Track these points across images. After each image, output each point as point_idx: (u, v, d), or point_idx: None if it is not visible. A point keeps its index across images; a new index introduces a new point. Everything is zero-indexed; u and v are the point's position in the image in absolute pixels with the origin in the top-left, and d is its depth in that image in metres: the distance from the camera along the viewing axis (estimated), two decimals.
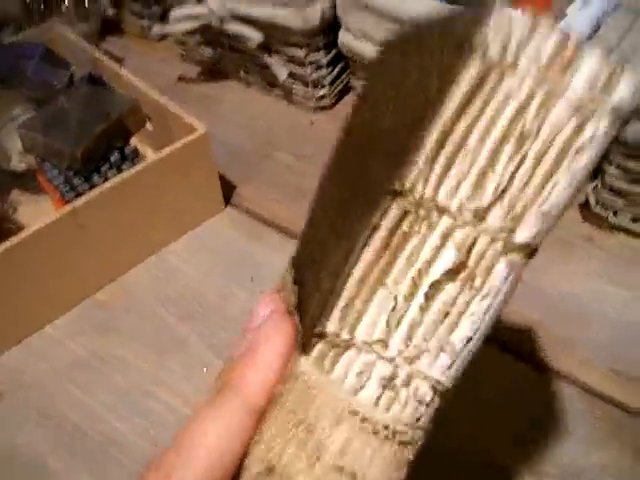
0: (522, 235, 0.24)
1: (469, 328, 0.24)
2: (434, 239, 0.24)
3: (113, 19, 0.96)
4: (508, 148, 0.23)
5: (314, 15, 0.72)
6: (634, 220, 0.64)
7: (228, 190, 0.72)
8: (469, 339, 0.25)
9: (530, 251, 0.25)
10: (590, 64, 0.23)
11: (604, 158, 0.62)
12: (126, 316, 0.63)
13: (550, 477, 0.49)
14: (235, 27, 0.77)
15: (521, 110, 0.23)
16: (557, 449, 0.50)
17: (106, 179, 0.64)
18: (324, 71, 0.79)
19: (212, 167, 0.68)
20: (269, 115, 0.84)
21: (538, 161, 0.23)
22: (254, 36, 0.76)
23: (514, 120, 0.23)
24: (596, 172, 0.66)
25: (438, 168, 0.24)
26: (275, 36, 0.77)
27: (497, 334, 0.56)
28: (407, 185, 0.24)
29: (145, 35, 0.99)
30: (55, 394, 0.58)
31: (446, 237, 0.24)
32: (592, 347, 0.56)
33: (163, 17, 0.96)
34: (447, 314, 0.24)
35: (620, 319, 0.58)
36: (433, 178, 0.24)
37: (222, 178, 0.71)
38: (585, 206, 0.67)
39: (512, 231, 0.24)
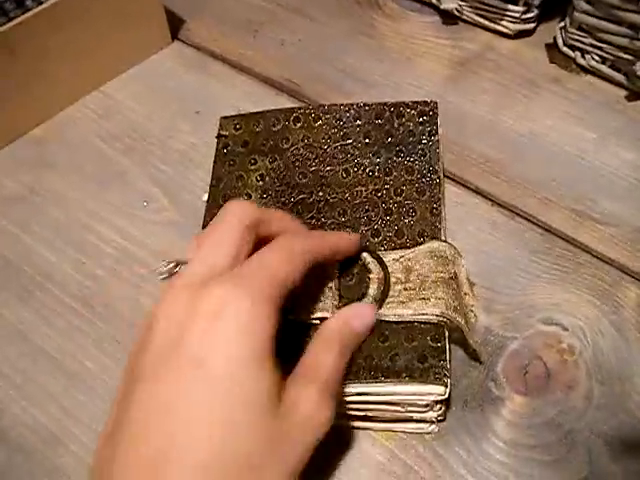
0: None
1: None
2: None
3: None
4: None
5: None
6: (603, 61, 0.60)
7: (176, 24, 0.67)
8: None
9: None
10: None
11: None
12: (64, 151, 0.59)
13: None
14: None
15: None
16: (517, 285, 0.49)
17: (40, 3, 0.59)
18: None
19: None
20: None
21: None
22: None
23: None
24: (565, 11, 0.62)
25: None
26: None
27: (457, 173, 0.54)
28: None
29: None
30: None
31: None
32: (554, 187, 0.54)
33: None
34: None
35: (584, 160, 0.56)
36: None
37: (169, 12, 0.66)
38: (553, 47, 0.64)
39: None
